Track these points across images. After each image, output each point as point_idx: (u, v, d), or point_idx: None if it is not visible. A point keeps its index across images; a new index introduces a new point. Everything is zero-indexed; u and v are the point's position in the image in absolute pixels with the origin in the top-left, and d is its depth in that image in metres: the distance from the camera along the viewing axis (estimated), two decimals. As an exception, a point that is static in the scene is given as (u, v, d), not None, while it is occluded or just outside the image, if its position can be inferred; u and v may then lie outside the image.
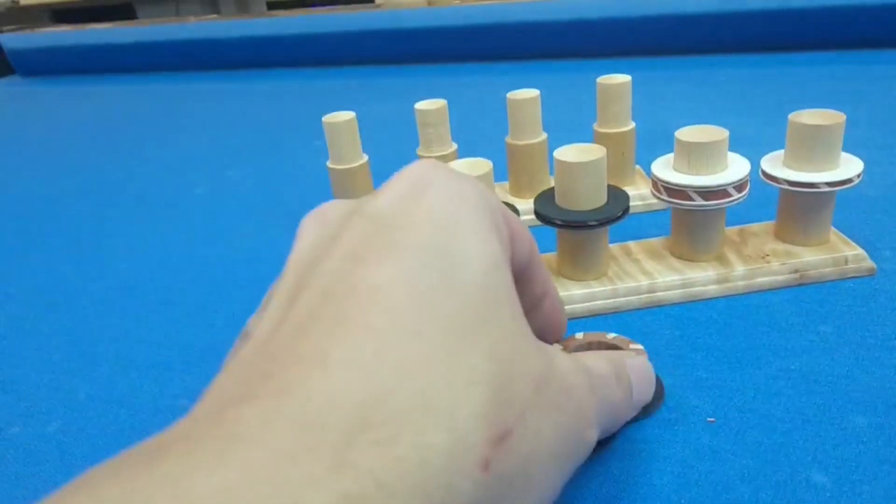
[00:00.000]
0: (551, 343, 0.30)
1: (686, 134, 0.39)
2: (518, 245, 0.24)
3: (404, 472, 0.16)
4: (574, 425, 0.21)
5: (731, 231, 0.43)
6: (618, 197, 0.39)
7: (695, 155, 0.38)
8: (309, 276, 0.20)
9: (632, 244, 0.43)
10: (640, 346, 0.32)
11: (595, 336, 0.33)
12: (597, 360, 0.26)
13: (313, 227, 0.23)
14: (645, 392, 0.29)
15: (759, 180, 0.40)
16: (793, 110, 0.40)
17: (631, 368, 0.28)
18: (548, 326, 0.29)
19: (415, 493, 0.16)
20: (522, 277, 0.27)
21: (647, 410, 0.31)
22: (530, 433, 0.19)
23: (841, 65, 0.82)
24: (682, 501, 0.27)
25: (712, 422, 0.31)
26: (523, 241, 0.25)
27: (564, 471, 0.21)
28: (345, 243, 0.20)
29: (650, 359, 0.35)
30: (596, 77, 0.50)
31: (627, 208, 0.38)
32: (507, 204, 0.39)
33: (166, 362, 0.40)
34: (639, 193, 0.50)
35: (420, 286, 0.18)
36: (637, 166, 0.54)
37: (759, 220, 0.44)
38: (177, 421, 0.17)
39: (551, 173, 0.52)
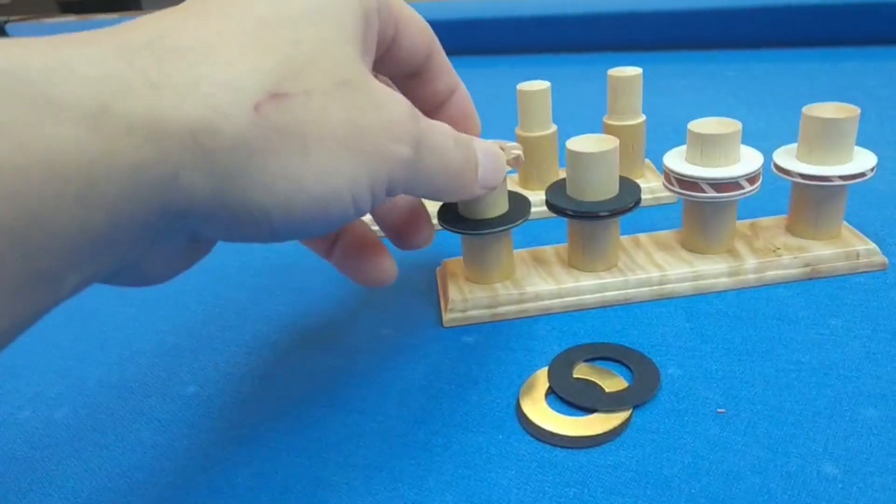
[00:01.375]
0: None
1: (699, 126, 0.38)
2: (407, 33, 0.27)
3: (173, 86, 0.18)
4: (378, 129, 0.23)
5: (742, 224, 0.42)
6: (629, 188, 0.39)
7: (708, 147, 0.38)
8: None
9: (642, 236, 0.43)
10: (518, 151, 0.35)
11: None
12: (441, 136, 0.27)
13: None
14: (492, 172, 0.30)
15: (769, 174, 0.40)
16: (803, 106, 0.39)
17: (479, 146, 0.30)
18: (460, 122, 0.32)
19: (179, 104, 0.18)
20: (423, 73, 0.30)
21: (644, 398, 0.31)
22: (313, 106, 0.21)
23: (852, 61, 0.82)
24: (693, 491, 0.27)
25: (722, 413, 0.31)
26: (414, 32, 0.28)
27: (360, 168, 0.22)
28: None
29: (658, 353, 0.35)
30: (605, 71, 0.50)
31: (639, 199, 0.38)
32: (518, 195, 0.39)
33: (174, 349, 0.40)
34: (648, 187, 0.50)
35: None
36: (646, 160, 0.54)
37: (770, 214, 0.44)
38: None
39: (561, 165, 0.52)
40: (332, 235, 0.33)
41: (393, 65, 0.29)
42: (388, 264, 0.32)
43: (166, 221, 0.19)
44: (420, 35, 0.28)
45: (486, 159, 0.30)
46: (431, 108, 0.32)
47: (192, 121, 0.18)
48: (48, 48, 0.18)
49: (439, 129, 0.26)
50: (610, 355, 0.34)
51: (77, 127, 0.17)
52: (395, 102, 0.24)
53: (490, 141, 0.33)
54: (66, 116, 0.17)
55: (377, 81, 0.24)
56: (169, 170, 0.18)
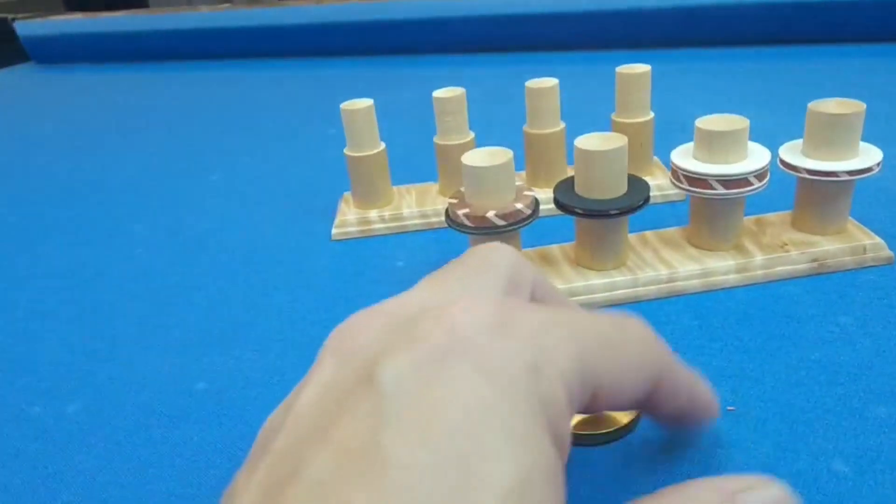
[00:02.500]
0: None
1: (707, 123, 0.38)
2: (617, 391, 0.21)
3: None
4: None
5: (749, 221, 0.42)
6: (638, 186, 0.39)
7: (716, 144, 0.38)
8: (298, 466, 0.17)
9: (649, 234, 0.43)
10: None
11: None
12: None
13: (330, 362, 0.20)
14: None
15: (773, 171, 0.40)
16: (811, 101, 0.39)
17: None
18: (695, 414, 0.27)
19: None
20: (657, 393, 0.23)
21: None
22: None
23: (859, 58, 0.81)
24: (703, 488, 0.27)
25: (732, 410, 0.31)
26: (627, 386, 0.21)
27: None
28: (342, 432, 0.17)
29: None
30: (613, 69, 0.50)
31: (648, 197, 0.38)
32: (528, 194, 0.39)
33: (184, 345, 0.40)
34: (657, 184, 0.50)
35: None
36: (655, 157, 0.54)
37: (775, 210, 0.44)
38: None
39: (569, 163, 0.52)
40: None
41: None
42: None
43: None
44: (633, 384, 0.22)
45: None
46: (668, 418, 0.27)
47: None
48: None
49: None
50: None
51: None
52: None
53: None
54: None
55: None
56: None
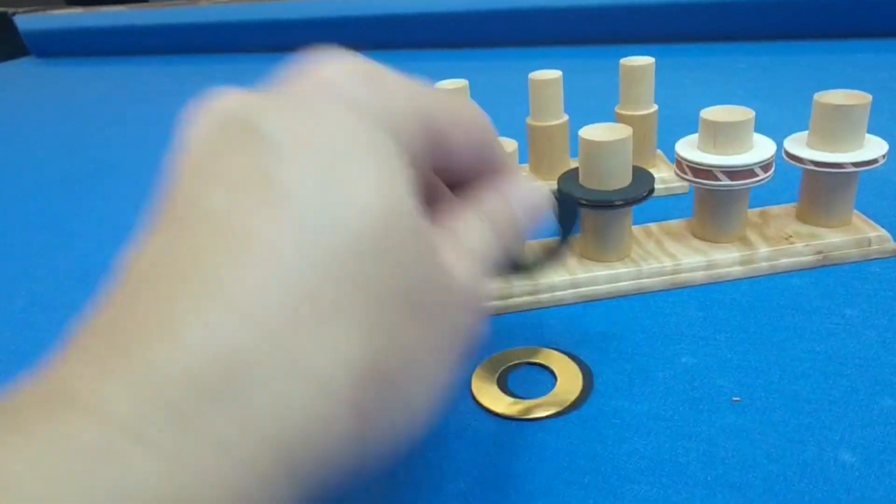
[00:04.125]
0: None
1: (712, 114, 0.38)
2: (456, 138, 0.23)
3: (256, 434, 0.15)
4: (458, 328, 0.21)
5: (752, 213, 0.42)
6: (642, 177, 0.38)
7: (721, 135, 0.37)
8: (184, 207, 0.18)
9: (653, 226, 0.43)
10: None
11: None
12: (476, 235, 0.23)
13: (204, 128, 0.20)
14: (536, 212, 0.27)
15: (777, 165, 0.40)
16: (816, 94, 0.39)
17: (516, 199, 0.25)
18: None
19: (269, 451, 0.15)
20: (479, 170, 0.25)
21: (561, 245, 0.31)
22: (406, 354, 0.18)
23: (864, 53, 0.81)
24: (709, 479, 0.27)
25: (738, 401, 0.31)
26: (459, 132, 0.23)
27: (448, 370, 0.20)
28: (227, 170, 0.18)
29: (672, 342, 0.35)
30: (616, 63, 0.49)
31: (653, 188, 0.38)
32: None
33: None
34: (660, 177, 0.50)
35: (299, 232, 0.17)
36: (658, 150, 0.53)
37: (777, 203, 0.44)
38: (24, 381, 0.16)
39: (572, 156, 0.52)
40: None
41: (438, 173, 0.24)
42: None
43: None
44: (466, 139, 0.23)
45: (522, 210, 0.26)
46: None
47: (290, 459, 0.16)
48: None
49: (487, 248, 0.23)
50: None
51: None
52: (466, 282, 0.21)
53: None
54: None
55: (444, 261, 0.21)
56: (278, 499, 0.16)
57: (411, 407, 0.19)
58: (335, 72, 0.21)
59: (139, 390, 0.15)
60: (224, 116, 0.19)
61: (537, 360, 0.34)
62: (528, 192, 0.26)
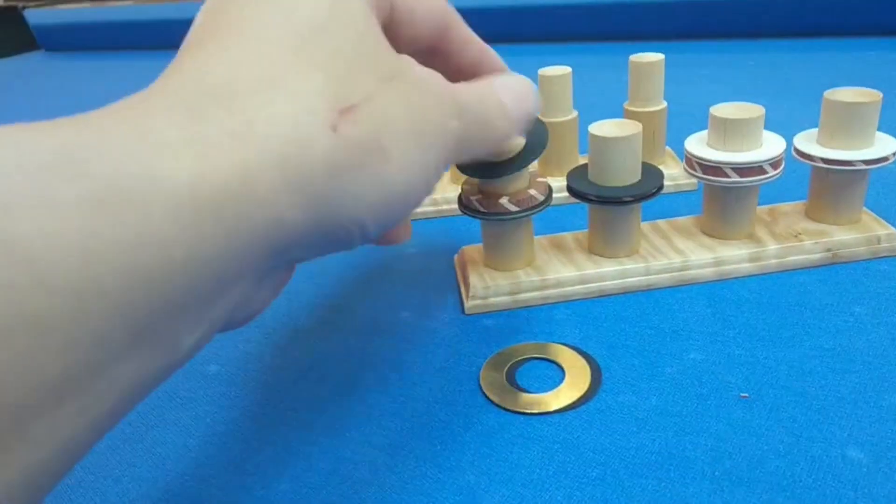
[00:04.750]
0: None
1: (722, 111, 0.38)
2: (412, 6, 0.26)
3: (253, 128, 0.18)
4: (431, 111, 0.23)
5: (761, 210, 0.42)
6: (652, 173, 0.38)
7: (731, 132, 0.37)
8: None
9: (661, 223, 0.43)
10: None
11: None
12: (461, 85, 0.27)
13: None
14: (523, 105, 0.29)
15: (786, 162, 0.40)
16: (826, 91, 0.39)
17: (500, 88, 0.28)
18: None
19: (262, 143, 0.18)
20: (442, 47, 0.29)
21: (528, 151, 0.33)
22: (378, 110, 0.21)
23: (874, 51, 0.81)
24: (717, 473, 0.27)
25: (745, 397, 0.31)
26: (422, 5, 0.27)
27: (428, 153, 0.23)
28: None
29: (680, 338, 0.35)
30: (625, 61, 0.49)
31: (662, 185, 0.38)
32: (541, 180, 0.39)
33: (196, 329, 0.40)
34: (669, 174, 0.50)
35: (277, 15, 0.21)
36: (667, 147, 0.53)
37: (785, 200, 0.43)
38: None
39: (581, 152, 0.52)
40: None
41: (402, 42, 0.28)
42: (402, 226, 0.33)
43: (272, 261, 0.20)
44: (429, 7, 0.28)
45: (510, 96, 0.28)
46: (458, 80, 0.31)
47: (280, 160, 0.18)
48: (128, 124, 0.18)
49: (466, 90, 0.26)
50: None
51: (176, 211, 0.16)
52: (433, 78, 0.24)
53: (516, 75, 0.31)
54: (160, 200, 0.16)
55: (410, 60, 0.24)
56: (270, 215, 0.18)
57: (386, 152, 0.21)
58: None
59: (170, 99, 0.19)
60: None
61: (546, 356, 0.34)
62: (515, 82, 0.29)
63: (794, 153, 0.40)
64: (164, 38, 1.22)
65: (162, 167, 0.17)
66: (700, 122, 0.40)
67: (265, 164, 0.18)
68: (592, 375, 0.33)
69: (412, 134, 0.22)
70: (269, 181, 0.18)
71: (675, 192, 0.50)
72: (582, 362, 0.34)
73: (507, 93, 0.28)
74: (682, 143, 0.41)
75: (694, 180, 0.50)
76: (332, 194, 0.20)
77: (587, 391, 0.32)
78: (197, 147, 0.17)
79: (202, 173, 0.17)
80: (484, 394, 0.32)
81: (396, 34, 0.27)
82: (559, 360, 0.34)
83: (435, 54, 0.29)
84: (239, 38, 0.21)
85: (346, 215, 0.20)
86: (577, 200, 0.39)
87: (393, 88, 0.22)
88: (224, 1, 0.23)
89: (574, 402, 0.31)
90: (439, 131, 0.23)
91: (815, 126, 0.40)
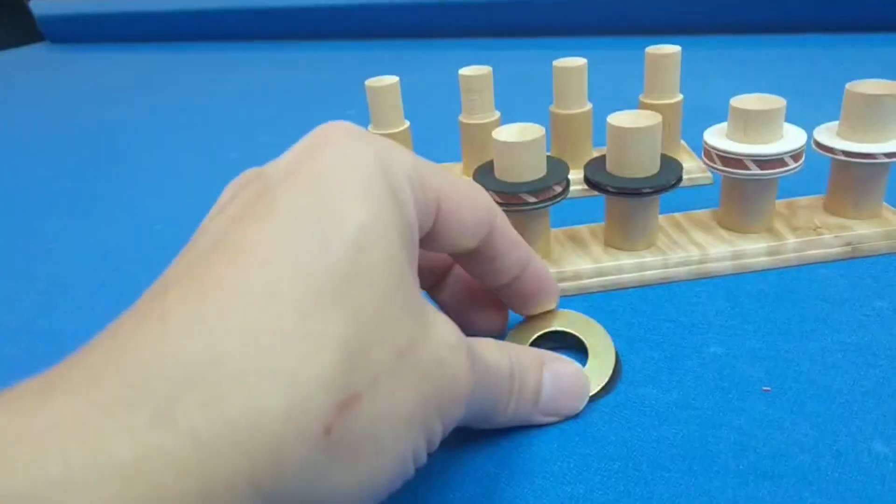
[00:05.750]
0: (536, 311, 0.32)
1: (742, 102, 0.38)
2: (454, 216, 0.25)
3: (230, 434, 0.16)
4: (437, 397, 0.21)
5: (780, 204, 0.42)
6: (670, 165, 0.38)
7: (752, 123, 0.37)
8: (197, 237, 0.21)
9: (678, 216, 0.42)
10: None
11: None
12: (493, 352, 0.25)
13: (228, 189, 0.23)
14: (568, 400, 0.29)
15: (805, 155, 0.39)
16: (840, 91, 0.39)
17: (555, 374, 0.28)
18: (533, 297, 0.31)
19: (238, 455, 0.16)
20: (485, 250, 0.27)
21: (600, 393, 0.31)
22: (381, 397, 0.18)
23: (892, 46, 0.80)
24: (740, 467, 0.27)
25: (767, 391, 0.30)
26: (465, 212, 0.25)
27: (417, 442, 0.20)
28: (235, 204, 0.21)
29: (699, 331, 0.34)
30: (640, 54, 0.49)
31: (681, 176, 0.37)
32: (557, 160, 0.38)
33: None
34: (684, 168, 0.49)
35: (289, 247, 0.18)
36: (682, 141, 0.53)
37: (802, 194, 0.43)
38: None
39: (595, 144, 0.51)
40: (439, 273, 0.32)
41: (442, 246, 0.26)
42: (498, 319, 0.32)
43: None
44: (472, 213, 0.25)
45: (559, 385, 0.28)
46: (500, 283, 0.30)
47: (252, 474, 0.16)
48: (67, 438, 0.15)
49: (493, 371, 0.25)
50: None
51: None
52: (454, 356, 0.21)
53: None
54: None
55: (434, 317, 0.21)
56: None
57: (379, 443, 0.19)
58: (336, 131, 0.23)
59: (124, 376, 0.16)
60: (243, 174, 0.23)
61: (565, 328, 0.33)
62: (570, 371, 0.28)
63: (814, 146, 0.39)
64: (170, 29, 1.22)
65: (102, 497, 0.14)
66: (713, 116, 0.40)
67: (234, 480, 0.16)
68: (615, 365, 0.32)
69: (410, 423, 0.20)
70: (233, 499, 0.16)
71: (690, 186, 0.50)
72: (604, 334, 0.33)
73: (555, 381, 0.28)
74: (696, 137, 0.40)
75: (709, 174, 0.50)
76: (306, 496, 0.17)
77: (608, 382, 0.31)
78: (153, 464, 0.15)
79: (157, 497, 0.15)
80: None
81: (438, 242, 0.25)
82: (580, 333, 0.33)
83: (477, 254, 0.28)
84: (212, 294, 0.17)
85: None
86: (591, 193, 0.39)
87: (405, 367, 0.19)
88: (205, 226, 0.21)
89: (595, 395, 0.31)
90: (442, 418, 0.21)
91: (832, 121, 0.40)
